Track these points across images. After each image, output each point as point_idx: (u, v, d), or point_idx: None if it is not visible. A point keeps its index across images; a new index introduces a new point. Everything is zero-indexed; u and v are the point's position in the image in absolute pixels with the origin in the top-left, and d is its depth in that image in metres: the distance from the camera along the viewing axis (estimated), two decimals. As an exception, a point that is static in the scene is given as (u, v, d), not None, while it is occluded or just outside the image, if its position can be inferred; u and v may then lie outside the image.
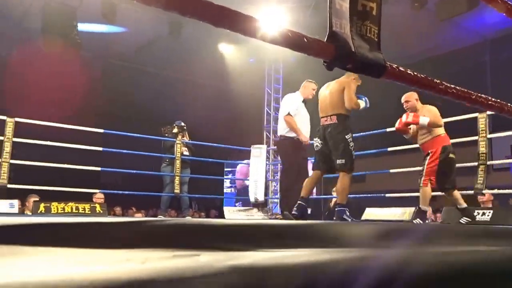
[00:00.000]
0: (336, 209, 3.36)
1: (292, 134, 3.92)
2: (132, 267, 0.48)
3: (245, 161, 7.36)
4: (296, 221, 2.68)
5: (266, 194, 6.41)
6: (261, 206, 5.91)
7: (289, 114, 3.89)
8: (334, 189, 5.26)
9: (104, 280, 0.39)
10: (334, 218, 3.42)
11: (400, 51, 6.50)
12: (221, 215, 5.47)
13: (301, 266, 0.53)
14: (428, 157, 3.34)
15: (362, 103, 3.38)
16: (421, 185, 3.33)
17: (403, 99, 3.50)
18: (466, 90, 1.31)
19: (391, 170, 4.87)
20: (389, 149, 4.77)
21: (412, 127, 3.48)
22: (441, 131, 3.41)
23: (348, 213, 3.25)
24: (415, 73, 1.19)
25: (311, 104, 4.07)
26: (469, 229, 1.93)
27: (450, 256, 0.77)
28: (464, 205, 3.41)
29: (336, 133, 3.26)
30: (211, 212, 8.09)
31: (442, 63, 7.66)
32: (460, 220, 3.40)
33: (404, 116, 3.42)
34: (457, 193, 3.41)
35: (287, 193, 3.95)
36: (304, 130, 3.95)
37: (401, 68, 1.14)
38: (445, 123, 4.06)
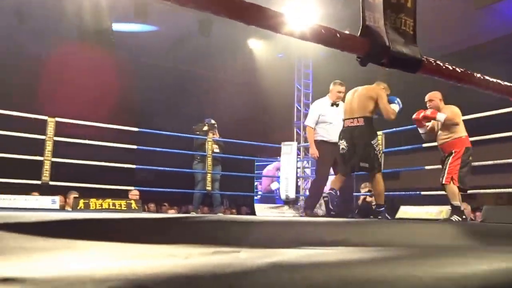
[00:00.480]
0: (378, 210, 3.44)
1: (322, 138, 4.03)
2: (176, 262, 0.49)
3: (273, 164, 7.33)
4: (332, 219, 2.68)
5: (297, 191, 6.38)
6: (292, 203, 5.90)
7: (307, 125, 4.08)
8: (362, 185, 5.28)
9: (151, 274, 0.40)
10: (379, 217, 3.45)
11: (434, 42, 6.24)
12: (253, 212, 5.51)
13: (341, 264, 0.53)
14: (451, 157, 3.37)
15: (396, 107, 3.45)
16: (443, 183, 3.37)
17: (426, 98, 3.51)
18: (509, 84, 1.24)
19: (427, 167, 4.70)
20: (424, 145, 4.60)
21: (430, 124, 3.53)
22: (463, 132, 3.44)
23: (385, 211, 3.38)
24: (453, 67, 1.14)
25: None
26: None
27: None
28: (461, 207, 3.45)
29: (363, 136, 3.33)
30: (242, 209, 8.15)
31: (480, 53, 7.29)
32: (452, 218, 3.36)
33: (423, 111, 3.48)
34: (455, 189, 3.44)
35: (314, 195, 3.98)
36: (334, 133, 3.94)
37: (438, 62, 1.10)
38: (483, 117, 3.96)
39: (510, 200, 5.07)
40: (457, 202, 3.34)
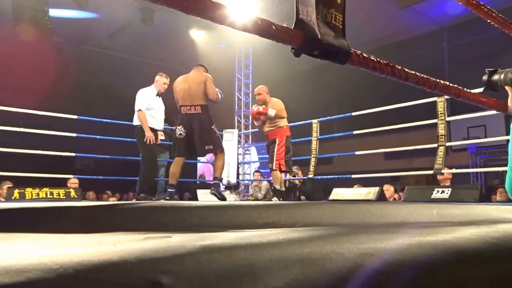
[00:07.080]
0: (214, 182, 3.74)
1: (148, 125, 4.15)
2: (103, 249, 0.48)
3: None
4: (265, 202, 2.76)
5: (237, 176, 6.46)
6: (233, 188, 5.97)
7: (140, 110, 4.15)
8: (294, 167, 5.80)
9: (74, 263, 0.39)
10: (212, 189, 3.73)
11: (362, 37, 6.64)
12: (195, 198, 5.53)
13: (270, 245, 0.56)
14: (276, 145, 3.83)
15: (219, 95, 3.80)
16: (273, 168, 3.80)
17: (255, 92, 3.97)
18: (425, 76, 1.37)
19: (357, 152, 5.02)
20: (355, 132, 4.90)
21: (263, 116, 3.96)
22: (284, 122, 3.94)
23: (222, 188, 3.71)
24: (378, 59, 1.23)
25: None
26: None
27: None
28: (283, 188, 4.01)
29: (203, 124, 3.57)
30: (185, 194, 8.11)
31: (403, 48, 7.90)
32: (273, 199, 3.94)
33: (256, 106, 3.96)
34: (280, 175, 3.91)
35: (146, 180, 4.16)
36: (159, 120, 4.24)
37: (364, 55, 1.18)
38: (407, 107, 4.36)
39: (429, 181, 5.62)
40: (278, 186, 3.82)
